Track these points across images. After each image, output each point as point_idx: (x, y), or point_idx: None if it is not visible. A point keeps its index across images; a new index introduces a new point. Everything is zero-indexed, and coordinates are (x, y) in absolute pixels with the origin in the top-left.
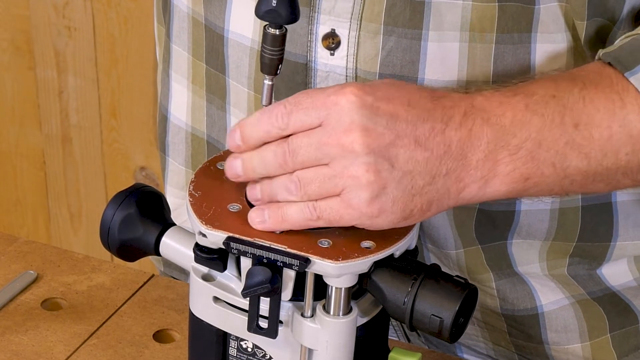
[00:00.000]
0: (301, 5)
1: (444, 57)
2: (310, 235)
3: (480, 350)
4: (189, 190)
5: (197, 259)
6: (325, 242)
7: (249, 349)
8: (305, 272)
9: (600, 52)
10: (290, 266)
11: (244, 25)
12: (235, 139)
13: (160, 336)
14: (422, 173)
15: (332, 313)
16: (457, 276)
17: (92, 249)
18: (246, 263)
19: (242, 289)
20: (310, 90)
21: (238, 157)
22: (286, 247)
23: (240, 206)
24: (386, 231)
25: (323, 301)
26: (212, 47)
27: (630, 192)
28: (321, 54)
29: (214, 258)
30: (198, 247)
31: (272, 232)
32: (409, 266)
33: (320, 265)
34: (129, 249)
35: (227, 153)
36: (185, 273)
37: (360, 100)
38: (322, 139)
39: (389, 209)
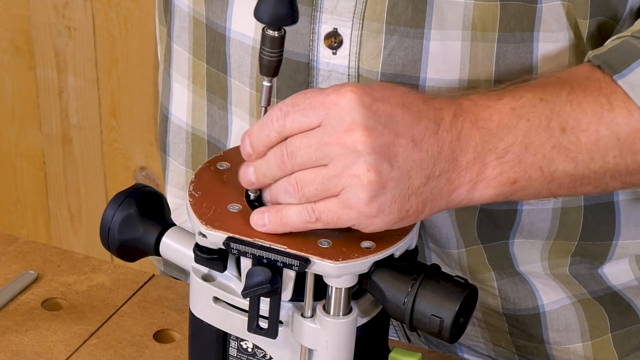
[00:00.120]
0: (303, 4)
1: (446, 56)
2: (310, 235)
3: (480, 350)
4: (189, 191)
5: (197, 259)
6: (325, 243)
7: (249, 349)
8: (305, 272)
9: (590, 54)
10: (290, 266)
11: (245, 25)
12: (247, 148)
13: (160, 336)
14: (418, 173)
15: (332, 313)
16: (457, 276)
17: (92, 249)
18: (246, 263)
19: (242, 289)
20: (308, 91)
21: (250, 164)
22: (286, 247)
23: (240, 206)
24: (386, 231)
25: (323, 301)
26: (214, 46)
27: (632, 192)
28: (323, 53)
29: (214, 258)
30: (198, 248)
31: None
32: (409, 266)
33: (320, 265)
34: (129, 249)
35: (227, 153)
36: (185, 273)
37: (360, 99)
38: (322, 139)
39: (387, 209)
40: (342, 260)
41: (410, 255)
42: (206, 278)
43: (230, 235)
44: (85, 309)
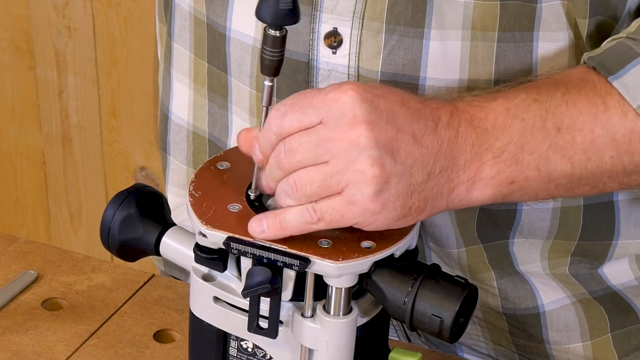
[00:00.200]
0: (303, 3)
1: (446, 55)
2: (310, 235)
3: (480, 350)
4: (189, 191)
5: (197, 259)
6: (325, 242)
7: (249, 349)
8: (305, 272)
9: (585, 55)
10: (290, 266)
11: (245, 24)
12: (257, 154)
13: (160, 336)
14: (419, 170)
15: (332, 313)
16: (457, 276)
17: (92, 249)
18: (246, 263)
19: (242, 289)
20: (307, 91)
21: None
22: (286, 247)
23: (241, 206)
24: (386, 231)
25: (323, 301)
26: (214, 45)
27: (631, 191)
28: (323, 52)
29: (214, 258)
30: (198, 247)
31: None
32: (409, 266)
33: (320, 265)
34: (129, 249)
35: (228, 153)
36: (185, 273)
37: (361, 95)
38: (324, 135)
39: (390, 205)
40: (342, 260)
41: (411, 255)
42: (206, 278)
43: (231, 235)
44: (85, 309)
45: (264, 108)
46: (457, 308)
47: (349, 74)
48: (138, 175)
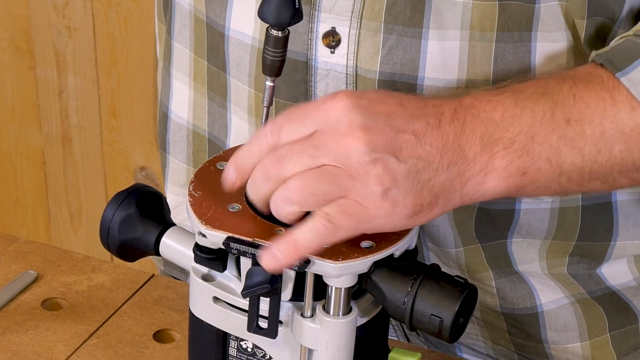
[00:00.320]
0: (302, 3)
1: (444, 55)
2: None
3: (479, 349)
4: (189, 190)
5: (197, 259)
6: None
7: (249, 349)
8: (305, 272)
9: (593, 53)
10: (290, 266)
11: (244, 24)
12: (230, 174)
13: (160, 336)
14: (425, 166)
15: (332, 313)
16: (457, 276)
17: (92, 249)
18: (246, 263)
19: (242, 289)
20: (301, 104)
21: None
22: None
23: (240, 206)
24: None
25: (323, 301)
26: (213, 44)
27: (630, 192)
28: (321, 52)
29: (213, 258)
30: (198, 247)
31: (273, 231)
32: (409, 266)
33: (320, 265)
34: (128, 249)
35: (227, 153)
36: (185, 272)
37: (356, 102)
38: (320, 140)
39: (401, 203)
40: (342, 260)
41: (410, 255)
42: (206, 278)
43: (230, 235)
44: (85, 309)
45: (265, 108)
46: (457, 308)
47: (347, 74)
48: (138, 175)
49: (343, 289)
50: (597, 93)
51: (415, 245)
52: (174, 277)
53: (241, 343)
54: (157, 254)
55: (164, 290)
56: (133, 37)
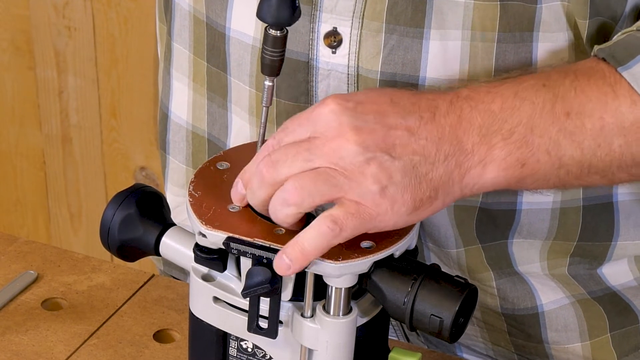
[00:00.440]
0: (303, 3)
1: (445, 55)
2: None
3: (479, 350)
4: (189, 191)
5: (197, 259)
6: None
7: (249, 349)
8: (305, 272)
9: (595, 48)
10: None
11: (245, 24)
12: (238, 190)
13: (160, 336)
14: (421, 161)
15: (332, 313)
16: (457, 276)
17: (92, 249)
18: (246, 263)
19: (242, 289)
20: (294, 115)
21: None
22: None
23: (240, 206)
24: (386, 231)
25: (323, 301)
26: (214, 45)
27: (631, 192)
28: (323, 52)
29: (213, 258)
30: (198, 247)
31: (273, 232)
32: (409, 266)
33: (320, 265)
34: (129, 249)
35: (227, 153)
36: (185, 272)
37: (342, 105)
38: (312, 144)
39: (400, 199)
40: (342, 260)
41: (410, 255)
42: (206, 278)
43: (230, 235)
44: (85, 309)
45: (265, 108)
46: (457, 308)
47: (348, 74)
48: (138, 175)
49: (343, 289)
50: (599, 87)
51: (416, 246)
52: (174, 277)
53: (241, 343)
54: (157, 254)
55: (164, 290)
56: (133, 37)
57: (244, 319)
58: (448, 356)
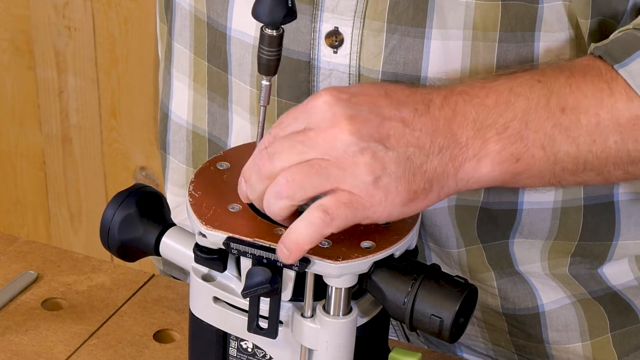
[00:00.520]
0: (304, 3)
1: (447, 55)
2: None
3: (480, 350)
4: (189, 191)
5: (197, 259)
6: (325, 243)
7: (249, 349)
8: (305, 272)
9: (592, 45)
10: (290, 266)
11: (246, 23)
12: (242, 187)
13: (160, 336)
14: (415, 152)
15: (332, 313)
16: (457, 276)
17: (92, 249)
18: (246, 263)
19: (242, 289)
20: (290, 109)
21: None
22: None
23: (240, 206)
24: (386, 231)
25: (323, 301)
26: (215, 45)
27: (632, 192)
28: (324, 52)
29: (213, 258)
30: (198, 248)
31: (273, 232)
32: (409, 266)
33: (320, 265)
34: (129, 249)
35: (227, 153)
36: (184, 272)
37: (336, 97)
38: (307, 135)
39: (394, 190)
40: (342, 260)
41: (410, 255)
42: (206, 278)
43: (230, 235)
44: (85, 309)
45: (262, 108)
46: (457, 308)
47: (349, 74)
48: (138, 175)
49: (343, 289)
50: (595, 84)
51: (416, 246)
52: (174, 277)
53: (241, 343)
54: (157, 254)
55: (164, 290)
56: (133, 37)
57: (244, 319)
58: (448, 356)
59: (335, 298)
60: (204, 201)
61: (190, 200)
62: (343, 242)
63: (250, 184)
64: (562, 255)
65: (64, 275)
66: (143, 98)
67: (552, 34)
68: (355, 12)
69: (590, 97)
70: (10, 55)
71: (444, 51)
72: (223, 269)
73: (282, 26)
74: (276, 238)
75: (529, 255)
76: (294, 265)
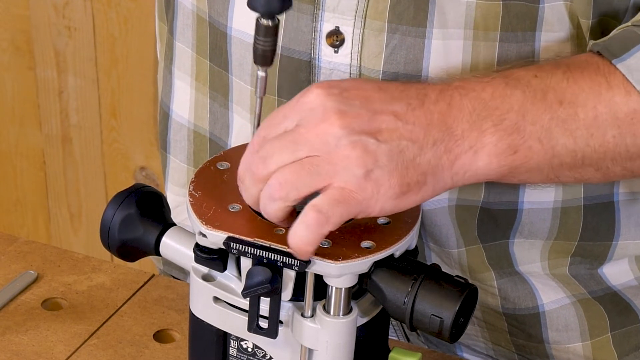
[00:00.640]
0: (305, 2)
1: (447, 55)
2: None
3: (480, 349)
4: (189, 191)
5: (197, 259)
6: (325, 242)
7: (249, 349)
8: (305, 272)
9: (591, 42)
10: (290, 266)
11: (247, 23)
12: (240, 187)
13: (160, 336)
14: (408, 145)
15: (332, 313)
16: (457, 276)
17: (92, 249)
18: (246, 263)
19: (242, 289)
20: (280, 106)
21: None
22: (286, 247)
23: (241, 206)
24: (386, 231)
25: (323, 301)
26: (216, 44)
27: (632, 192)
28: (325, 51)
29: (214, 258)
30: (198, 247)
31: (273, 231)
32: (409, 266)
33: (320, 265)
34: (129, 249)
35: (228, 153)
36: (184, 272)
37: (327, 91)
38: (297, 133)
39: (386, 183)
40: (342, 260)
41: (411, 255)
42: (206, 278)
43: (230, 235)
44: (85, 309)
45: (259, 99)
46: (457, 308)
47: (350, 73)
48: (138, 175)
49: (343, 289)
50: (592, 78)
51: (416, 246)
52: (174, 277)
53: (241, 343)
54: (158, 254)
55: (164, 290)
56: (133, 37)
57: (244, 319)
58: (448, 356)
59: (336, 298)
60: (204, 201)
61: (191, 200)
62: (343, 242)
63: (245, 188)
64: (562, 255)
65: (64, 275)
66: (143, 98)
67: (553, 34)
68: (356, 12)
69: (588, 91)
70: (10, 55)
71: (445, 51)
72: (223, 268)
73: (277, 16)
74: (276, 238)
75: (529, 255)
76: (293, 265)
